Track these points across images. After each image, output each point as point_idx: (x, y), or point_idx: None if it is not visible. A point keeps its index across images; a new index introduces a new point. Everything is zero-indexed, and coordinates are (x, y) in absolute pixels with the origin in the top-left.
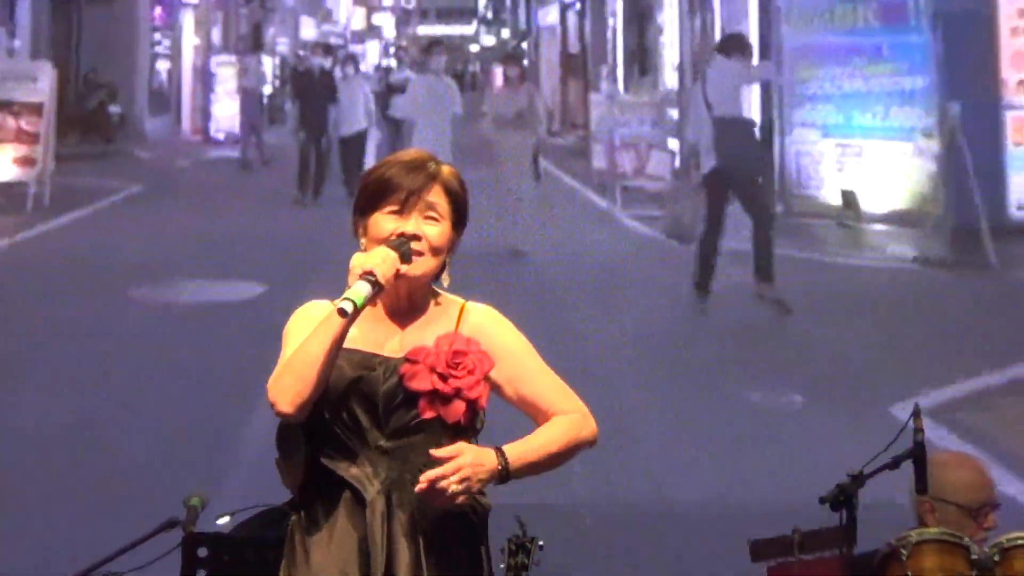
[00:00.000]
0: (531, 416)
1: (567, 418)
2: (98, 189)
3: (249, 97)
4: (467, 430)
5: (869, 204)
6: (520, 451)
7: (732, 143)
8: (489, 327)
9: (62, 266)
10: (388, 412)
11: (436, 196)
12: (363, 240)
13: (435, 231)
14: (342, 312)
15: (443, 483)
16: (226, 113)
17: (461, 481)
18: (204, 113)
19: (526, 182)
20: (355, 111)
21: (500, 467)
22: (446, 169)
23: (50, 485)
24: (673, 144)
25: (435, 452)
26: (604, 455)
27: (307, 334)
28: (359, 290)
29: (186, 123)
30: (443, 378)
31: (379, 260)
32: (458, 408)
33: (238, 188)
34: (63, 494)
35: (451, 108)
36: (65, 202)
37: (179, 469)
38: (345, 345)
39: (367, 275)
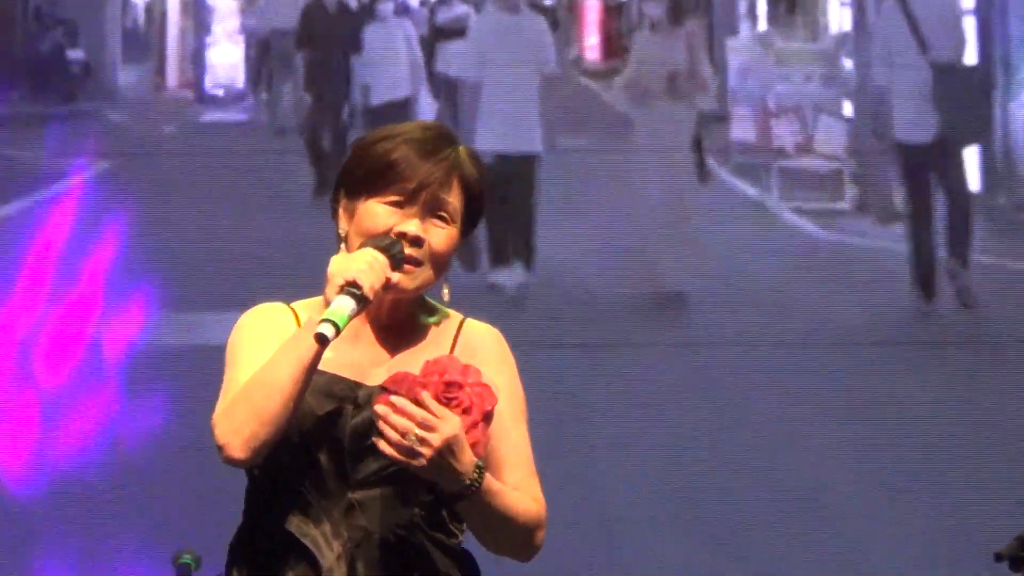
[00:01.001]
0: None
1: (534, 504)
2: (49, 166)
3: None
4: None
5: None
6: (497, 486)
7: (955, 101)
8: (491, 355)
9: None
10: (356, 455)
11: (451, 193)
12: (344, 225)
13: (441, 236)
14: (321, 339)
15: (401, 423)
16: (226, 60)
17: (423, 442)
18: (196, 61)
19: (682, 189)
20: (393, 67)
21: (471, 479)
22: (466, 156)
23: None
24: (847, 109)
25: (427, 400)
26: None
27: (264, 350)
28: (341, 308)
29: (172, 74)
30: None
31: (365, 267)
32: None
33: (244, 164)
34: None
35: (540, 62)
36: (1, 187)
37: (172, 522)
38: (324, 367)
39: (350, 287)
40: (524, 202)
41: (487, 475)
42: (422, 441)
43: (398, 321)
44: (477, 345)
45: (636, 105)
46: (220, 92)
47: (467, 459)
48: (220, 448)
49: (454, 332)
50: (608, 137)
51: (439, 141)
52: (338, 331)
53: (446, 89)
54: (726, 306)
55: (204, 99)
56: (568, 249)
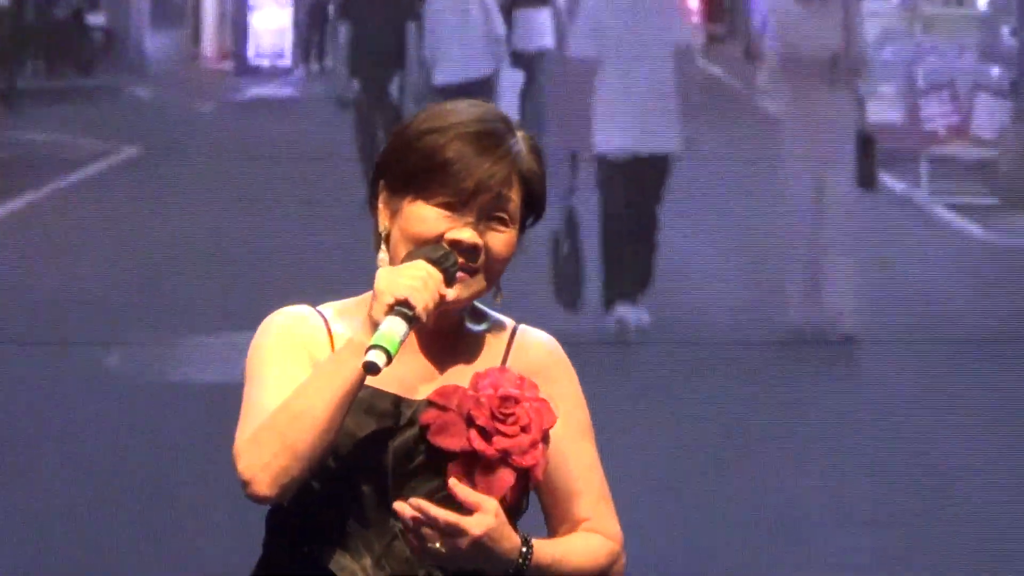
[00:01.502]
0: (546, 505)
1: (604, 544)
2: (67, 153)
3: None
4: (510, 513)
5: None
6: (550, 557)
7: None
8: (549, 366)
9: None
10: (400, 480)
11: (511, 191)
12: (384, 222)
13: (500, 242)
14: (371, 368)
15: (429, 531)
16: (271, 27)
17: (450, 547)
18: (237, 28)
19: (844, 195)
20: (465, 39)
21: (517, 563)
22: (527, 147)
23: None
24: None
25: (455, 488)
26: None
27: (293, 365)
28: (392, 331)
29: (208, 44)
30: (485, 435)
31: (418, 284)
32: (505, 480)
33: (293, 149)
34: None
35: (671, 36)
36: (11, 176)
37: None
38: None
39: (401, 306)
40: (649, 216)
41: (538, 548)
42: (449, 547)
43: (445, 328)
44: (533, 356)
45: (781, 96)
46: (264, 63)
47: (508, 545)
48: (244, 483)
49: (507, 341)
50: (744, 134)
51: (498, 133)
52: (390, 359)
53: (528, 68)
54: (878, 306)
55: (246, 72)
56: (698, 271)
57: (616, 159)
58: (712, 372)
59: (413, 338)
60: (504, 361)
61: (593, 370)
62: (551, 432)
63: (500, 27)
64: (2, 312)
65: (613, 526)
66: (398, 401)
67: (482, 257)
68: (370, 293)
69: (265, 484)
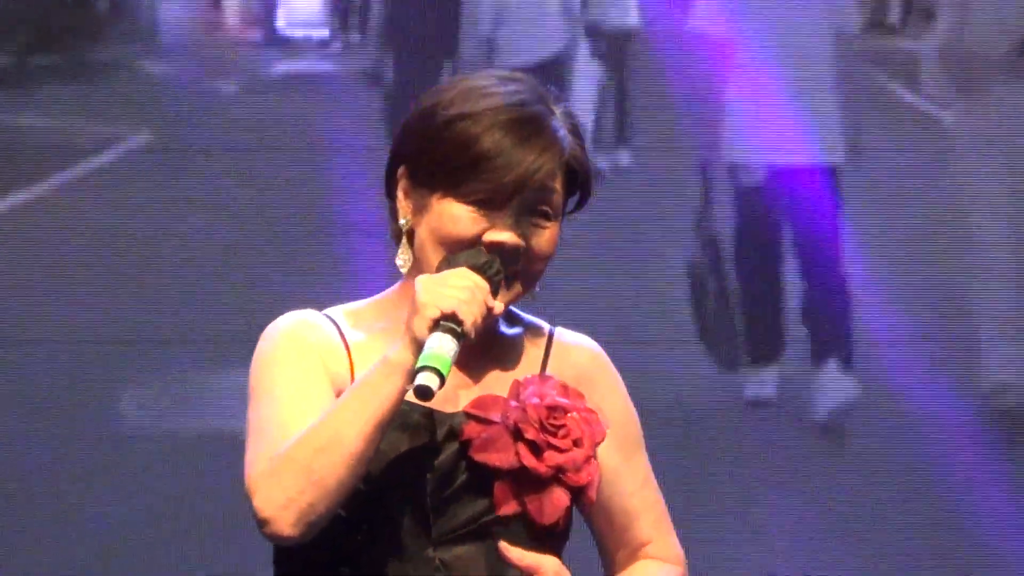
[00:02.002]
0: (600, 530)
1: (673, 571)
2: (69, 139)
3: None
4: (558, 538)
5: None
6: None
7: None
8: (594, 374)
9: None
10: (442, 503)
11: (552, 179)
12: (406, 215)
13: (544, 240)
14: (423, 393)
15: None
16: None
17: None
18: None
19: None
20: (532, 10)
21: None
22: (567, 123)
23: None
24: None
25: (508, 552)
26: None
27: (309, 379)
28: (442, 350)
29: (231, 9)
30: (535, 449)
31: (466, 296)
32: (559, 500)
33: (331, 134)
34: None
35: (835, 19)
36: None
37: None
38: None
39: (447, 321)
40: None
41: None
42: None
43: (477, 333)
44: (574, 362)
45: (954, 90)
46: (297, 33)
47: None
48: (262, 521)
49: (544, 346)
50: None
51: (540, 117)
52: (443, 381)
53: (611, 48)
54: None
55: (276, 43)
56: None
57: (756, 174)
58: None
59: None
60: (543, 368)
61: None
62: (600, 447)
63: None
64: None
65: (675, 548)
66: (431, 414)
67: (523, 258)
68: (386, 295)
69: (287, 523)
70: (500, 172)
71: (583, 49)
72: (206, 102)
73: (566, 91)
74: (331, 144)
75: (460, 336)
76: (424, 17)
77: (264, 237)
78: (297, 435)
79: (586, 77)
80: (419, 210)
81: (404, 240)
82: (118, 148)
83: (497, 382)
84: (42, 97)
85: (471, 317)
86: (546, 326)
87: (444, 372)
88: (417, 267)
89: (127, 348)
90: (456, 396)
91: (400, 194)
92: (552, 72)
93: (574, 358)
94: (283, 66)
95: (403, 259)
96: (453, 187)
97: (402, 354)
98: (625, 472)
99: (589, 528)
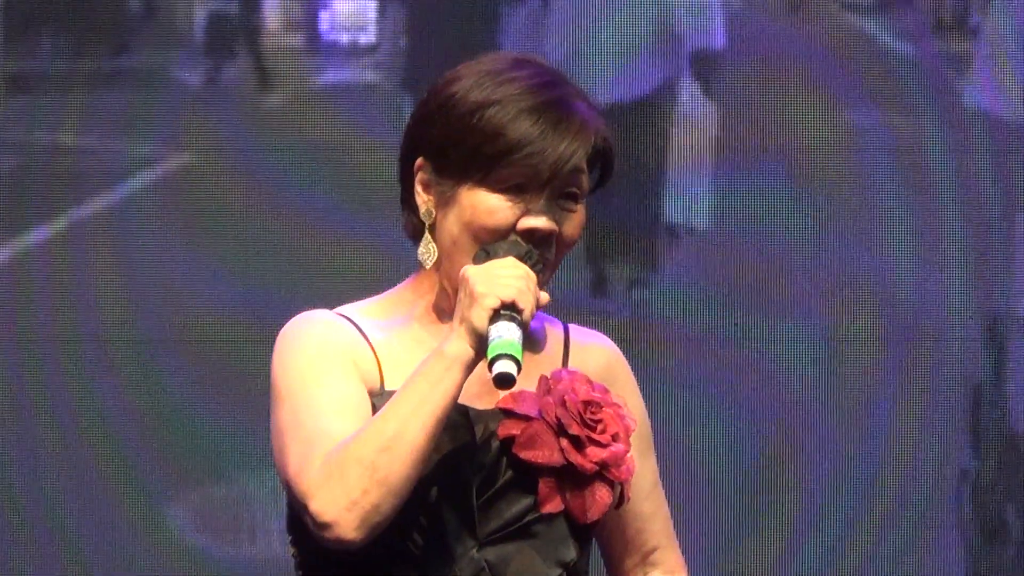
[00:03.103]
0: (610, 533)
1: None
2: (94, 158)
3: None
4: (592, 535)
5: None
6: None
7: None
8: (615, 369)
9: None
10: (487, 502)
11: (580, 162)
12: (428, 207)
13: (574, 224)
14: (504, 381)
15: None
16: None
17: None
18: None
19: None
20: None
21: None
22: (584, 101)
23: None
24: None
25: None
26: None
27: (345, 379)
28: (512, 337)
29: (272, 10)
30: (578, 445)
31: (523, 285)
32: (602, 497)
33: (382, 148)
34: None
35: None
36: (21, 197)
37: None
38: None
39: (507, 309)
40: None
41: None
42: None
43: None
44: (593, 357)
45: None
46: (343, 38)
47: None
48: (323, 525)
49: (562, 340)
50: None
51: (566, 100)
52: (519, 367)
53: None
54: None
55: (321, 49)
56: None
57: None
58: None
59: None
60: (564, 363)
61: None
62: None
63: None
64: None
65: (679, 557)
66: (467, 411)
67: (554, 244)
68: (398, 291)
69: (351, 526)
70: (534, 159)
71: (685, 79)
72: (246, 114)
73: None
74: (377, 159)
75: (521, 324)
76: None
77: (314, 262)
78: (354, 435)
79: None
80: (444, 202)
81: (427, 234)
82: (141, 178)
83: (524, 375)
84: (70, 107)
85: (528, 306)
86: (560, 323)
87: (519, 358)
88: (443, 260)
89: None
90: (483, 393)
91: (419, 187)
92: (654, 105)
93: (592, 354)
94: (333, 74)
95: (427, 252)
96: (483, 177)
97: (459, 346)
98: (640, 474)
99: (597, 536)
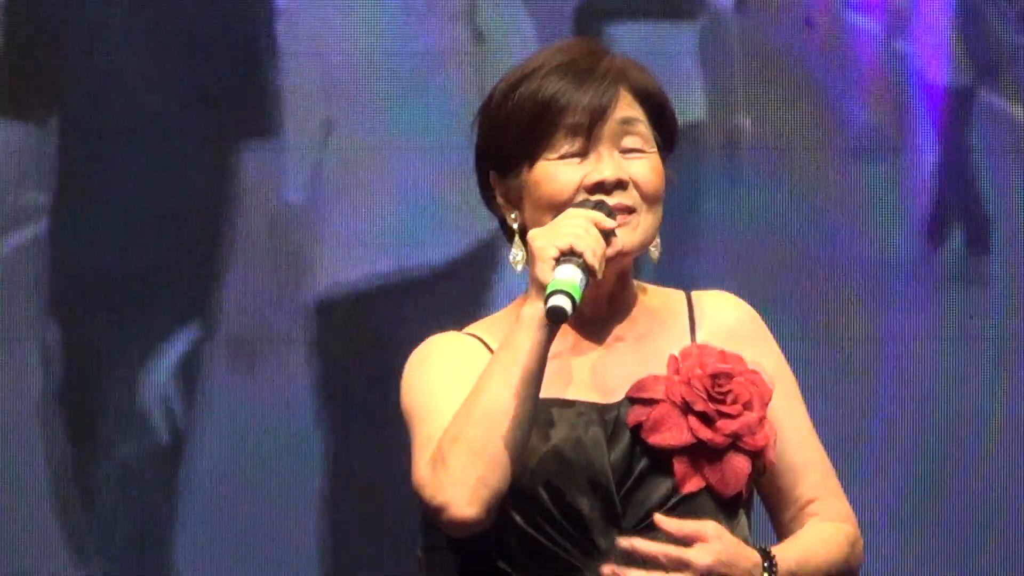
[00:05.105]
0: (767, 491)
1: (840, 530)
2: None
3: None
4: (742, 506)
5: None
6: (794, 563)
7: None
8: (745, 326)
9: None
10: (627, 493)
11: (630, 108)
12: (512, 215)
13: (646, 168)
14: (557, 314)
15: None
16: None
17: None
18: None
19: None
20: None
21: None
22: (626, 60)
23: None
24: None
25: (665, 524)
26: None
27: (465, 391)
28: (571, 276)
29: None
30: (707, 420)
31: (580, 231)
32: (740, 467)
33: None
34: None
35: None
36: None
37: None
38: (546, 394)
39: (567, 256)
40: None
41: (780, 560)
42: None
43: (614, 306)
44: (721, 319)
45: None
46: None
47: (747, 565)
48: (438, 510)
49: (686, 312)
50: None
51: (587, 49)
52: (575, 304)
53: None
54: None
55: None
56: None
57: None
58: None
59: (574, 335)
60: (693, 335)
61: None
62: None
63: None
64: None
65: (843, 505)
66: (596, 408)
67: (632, 192)
68: (514, 302)
69: (463, 503)
70: (570, 110)
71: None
72: None
73: None
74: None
75: (585, 269)
76: None
77: None
78: (451, 421)
79: None
80: (518, 199)
81: (516, 237)
82: None
83: (651, 360)
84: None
85: (589, 249)
86: (681, 292)
87: (575, 296)
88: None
89: None
90: (615, 387)
91: (499, 199)
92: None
93: (720, 316)
94: None
95: (515, 255)
96: (534, 152)
97: (534, 306)
98: (788, 425)
99: (757, 492)
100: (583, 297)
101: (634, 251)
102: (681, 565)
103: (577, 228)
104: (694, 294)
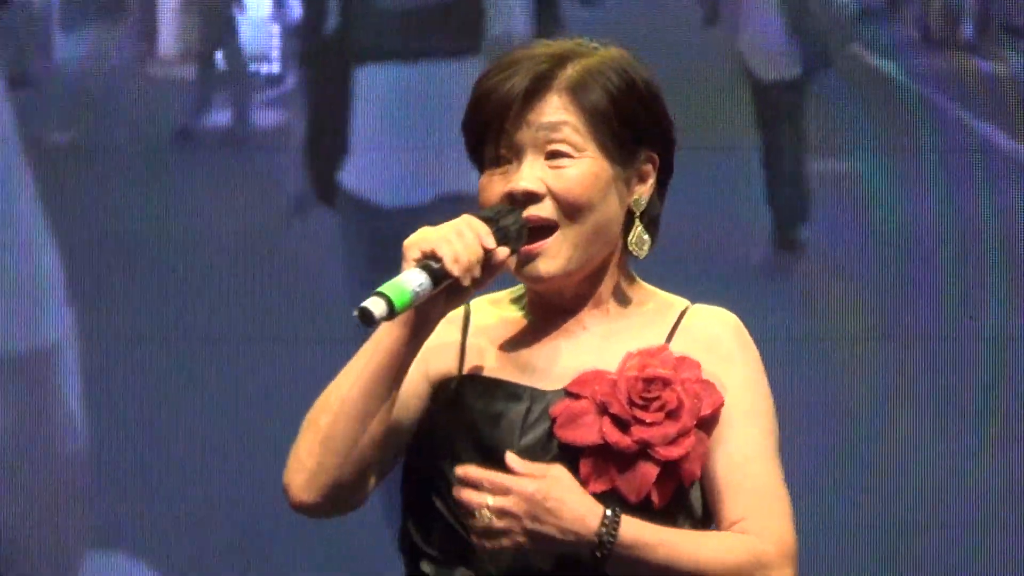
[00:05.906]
0: (705, 502)
1: (746, 543)
2: None
3: None
4: (668, 517)
5: None
6: (654, 538)
7: None
8: (722, 340)
9: None
10: None
11: (556, 113)
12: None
13: (566, 176)
14: (363, 316)
15: (476, 498)
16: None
17: (501, 514)
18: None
19: None
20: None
21: (596, 537)
22: (590, 59)
23: None
24: None
25: (512, 462)
26: None
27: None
28: (405, 281)
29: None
30: (620, 424)
31: (450, 235)
32: (646, 475)
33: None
34: None
35: None
36: None
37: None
38: (489, 373)
39: (427, 259)
40: None
41: (628, 523)
42: (499, 513)
43: (581, 301)
44: (700, 329)
45: None
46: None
47: (580, 510)
48: (284, 491)
49: (674, 319)
50: None
51: (525, 56)
52: (392, 311)
53: None
54: None
55: (214, 80)
56: None
57: None
58: None
59: (548, 328)
60: (669, 340)
61: None
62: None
63: None
64: None
65: (774, 528)
66: (533, 393)
67: (548, 203)
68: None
69: (300, 488)
70: (485, 111)
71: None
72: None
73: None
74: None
75: (437, 275)
76: None
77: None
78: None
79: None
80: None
81: None
82: None
83: (613, 357)
84: None
85: (451, 254)
86: (683, 301)
87: (396, 302)
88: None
89: None
90: (563, 375)
91: None
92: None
93: (702, 327)
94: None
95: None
96: (479, 161)
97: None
98: (731, 445)
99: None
100: (536, 297)
101: (556, 277)
102: (504, 491)
103: (450, 233)
104: (694, 307)
